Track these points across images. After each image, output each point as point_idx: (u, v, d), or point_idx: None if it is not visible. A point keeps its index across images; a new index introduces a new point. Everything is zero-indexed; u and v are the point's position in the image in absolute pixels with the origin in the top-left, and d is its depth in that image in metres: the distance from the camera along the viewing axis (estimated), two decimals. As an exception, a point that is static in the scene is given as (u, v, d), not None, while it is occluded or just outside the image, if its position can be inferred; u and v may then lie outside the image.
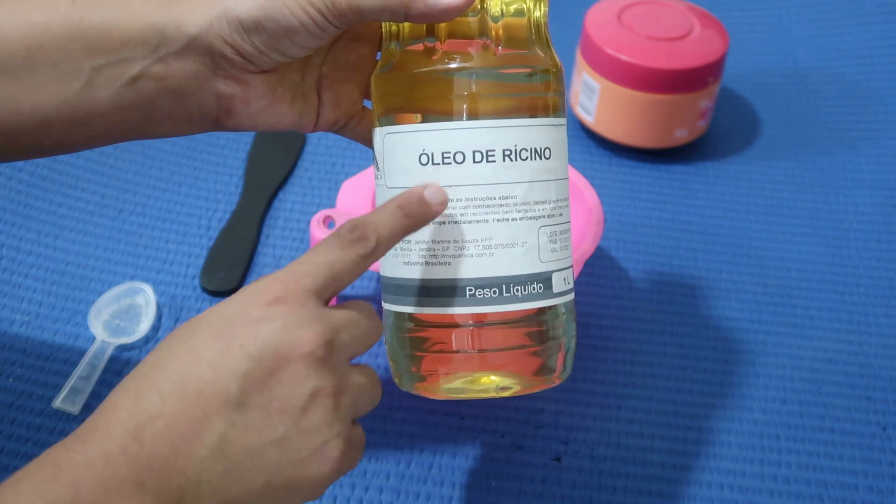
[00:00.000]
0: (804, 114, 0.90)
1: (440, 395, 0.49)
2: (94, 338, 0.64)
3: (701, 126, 0.84)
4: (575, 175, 0.67)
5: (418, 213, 0.45)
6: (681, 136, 0.83)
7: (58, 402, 0.60)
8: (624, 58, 0.79)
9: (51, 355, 0.64)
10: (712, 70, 0.80)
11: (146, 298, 0.67)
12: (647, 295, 0.71)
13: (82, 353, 0.64)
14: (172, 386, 0.40)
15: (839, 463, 0.61)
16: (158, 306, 0.67)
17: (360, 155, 0.82)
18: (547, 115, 0.48)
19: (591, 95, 0.82)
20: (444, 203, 0.45)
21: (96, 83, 0.46)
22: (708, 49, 0.80)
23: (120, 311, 0.66)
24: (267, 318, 0.41)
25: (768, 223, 0.78)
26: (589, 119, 0.84)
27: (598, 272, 0.73)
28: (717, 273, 0.74)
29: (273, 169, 0.79)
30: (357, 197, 0.65)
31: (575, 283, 0.71)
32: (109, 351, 0.63)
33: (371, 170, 0.66)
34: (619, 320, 0.69)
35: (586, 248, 0.62)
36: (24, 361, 0.63)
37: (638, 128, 0.82)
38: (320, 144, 0.83)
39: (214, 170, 0.80)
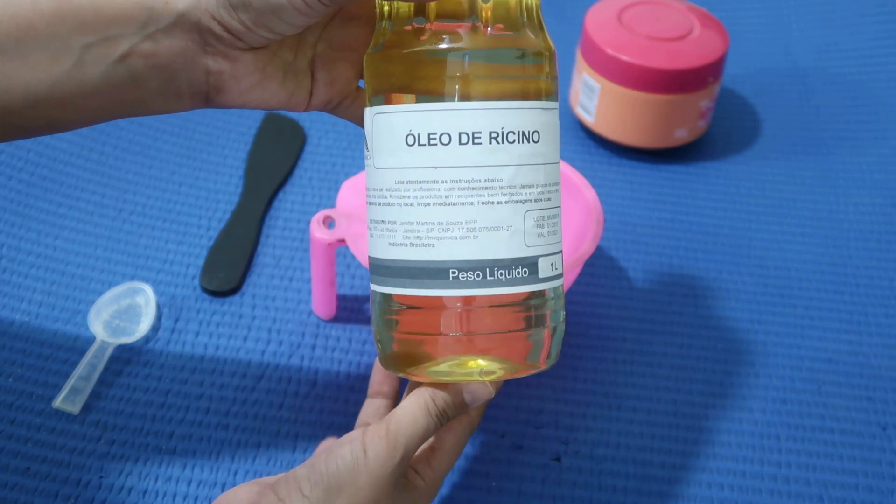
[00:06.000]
0: (804, 114, 0.90)
1: (426, 379, 0.49)
2: (94, 338, 0.64)
3: (701, 126, 0.84)
4: (575, 175, 0.67)
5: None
6: (681, 136, 0.83)
7: (58, 402, 0.60)
8: (624, 58, 0.79)
9: (51, 355, 0.64)
10: (712, 70, 0.80)
11: (146, 298, 0.67)
12: (647, 295, 0.71)
13: (82, 353, 0.63)
14: None
15: (839, 463, 0.61)
16: (158, 306, 0.67)
17: (360, 155, 0.82)
18: (538, 99, 0.47)
19: (591, 95, 0.82)
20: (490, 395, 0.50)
21: (86, 61, 0.46)
22: (708, 49, 0.81)
23: (120, 311, 0.66)
24: None
25: (768, 223, 0.78)
26: (589, 119, 0.84)
27: (598, 272, 0.73)
28: (717, 273, 0.73)
29: (273, 169, 0.79)
30: (357, 197, 0.65)
31: (575, 283, 0.71)
32: (109, 351, 0.63)
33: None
34: (619, 320, 0.69)
35: (586, 248, 0.62)
36: (24, 361, 0.63)
37: (638, 128, 0.82)
38: (320, 144, 0.83)
39: (214, 170, 0.80)
